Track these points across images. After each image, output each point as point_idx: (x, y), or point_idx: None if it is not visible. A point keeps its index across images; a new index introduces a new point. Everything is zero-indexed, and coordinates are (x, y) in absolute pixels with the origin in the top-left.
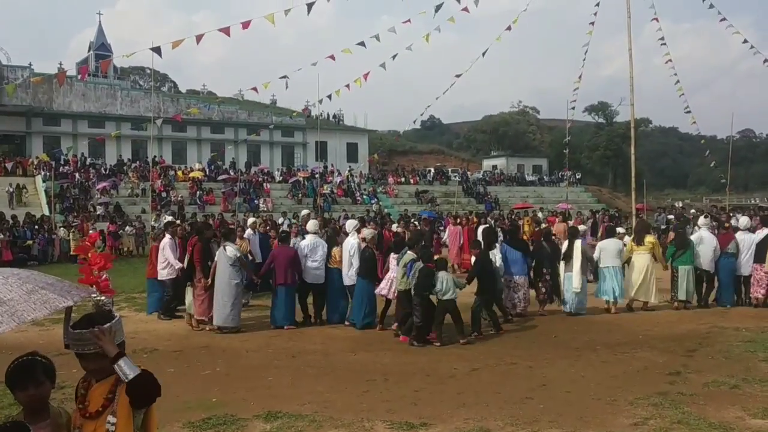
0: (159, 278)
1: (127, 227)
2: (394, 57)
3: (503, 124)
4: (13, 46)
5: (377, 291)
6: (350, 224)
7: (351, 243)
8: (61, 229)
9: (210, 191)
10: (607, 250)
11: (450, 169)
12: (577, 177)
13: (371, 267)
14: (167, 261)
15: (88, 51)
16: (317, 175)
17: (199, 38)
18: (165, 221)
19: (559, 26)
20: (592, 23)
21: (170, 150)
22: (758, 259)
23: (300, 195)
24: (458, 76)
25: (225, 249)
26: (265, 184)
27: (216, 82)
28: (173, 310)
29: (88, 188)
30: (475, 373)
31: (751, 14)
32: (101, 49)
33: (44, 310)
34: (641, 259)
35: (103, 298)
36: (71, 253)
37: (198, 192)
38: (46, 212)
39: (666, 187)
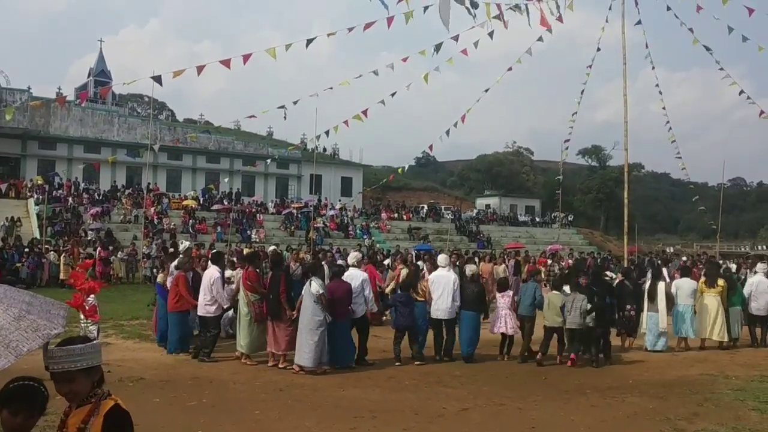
0: (201, 314)
1: (119, 253)
2: (393, 95)
3: (497, 164)
4: (13, 68)
5: (495, 330)
6: (442, 258)
7: (451, 278)
8: (51, 253)
9: (203, 220)
10: (682, 289)
11: (443, 207)
12: (570, 219)
13: (480, 300)
14: (216, 296)
15: (88, 77)
16: (311, 208)
17: (200, 69)
18: (184, 247)
19: (556, 70)
20: (590, 66)
21: (165, 178)
22: None
23: (293, 227)
24: (463, 116)
25: (310, 284)
26: (258, 215)
27: (214, 113)
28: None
29: (80, 213)
30: (465, 413)
31: (744, 64)
32: (101, 75)
33: (38, 339)
34: (713, 300)
35: (91, 327)
36: (60, 277)
37: (191, 221)
38: (37, 235)
39: (657, 232)
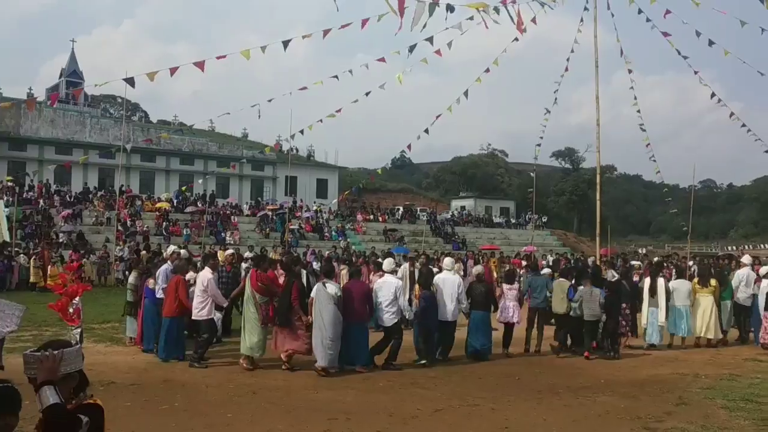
0: (195, 318)
1: (90, 256)
2: (367, 94)
3: (472, 166)
4: None
5: (501, 319)
6: (448, 261)
7: (456, 280)
8: (21, 255)
9: (176, 222)
10: (679, 290)
11: (419, 209)
12: (544, 220)
13: (488, 299)
14: (208, 299)
15: (60, 77)
16: (286, 210)
17: (173, 71)
18: (170, 250)
19: (531, 73)
20: (566, 69)
21: (138, 180)
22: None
23: (268, 229)
24: (439, 115)
25: (325, 286)
26: (233, 217)
27: (188, 114)
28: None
29: (51, 215)
30: (438, 414)
31: (715, 69)
32: (73, 76)
33: None
34: (706, 300)
35: (74, 331)
36: (30, 280)
37: (164, 223)
38: (7, 238)
39: (630, 234)
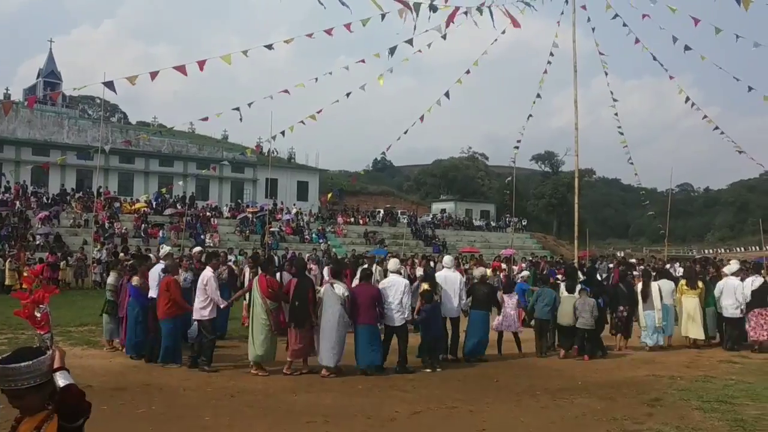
0: (197, 318)
1: (68, 258)
2: (348, 95)
3: (453, 169)
4: None
5: (497, 326)
6: (448, 259)
7: (458, 278)
8: None
9: (156, 224)
10: (664, 290)
11: (399, 211)
12: (523, 223)
13: (490, 300)
14: (209, 299)
15: (37, 78)
16: (266, 212)
17: (153, 75)
18: (165, 251)
19: (511, 78)
20: (545, 71)
21: (116, 181)
22: (759, 304)
23: (247, 231)
24: (422, 116)
25: (333, 287)
26: (212, 219)
27: (168, 116)
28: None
29: (28, 217)
30: (417, 416)
31: (692, 74)
32: (51, 76)
33: None
34: (693, 300)
35: (44, 336)
36: (6, 283)
37: (143, 225)
38: None
39: (608, 237)
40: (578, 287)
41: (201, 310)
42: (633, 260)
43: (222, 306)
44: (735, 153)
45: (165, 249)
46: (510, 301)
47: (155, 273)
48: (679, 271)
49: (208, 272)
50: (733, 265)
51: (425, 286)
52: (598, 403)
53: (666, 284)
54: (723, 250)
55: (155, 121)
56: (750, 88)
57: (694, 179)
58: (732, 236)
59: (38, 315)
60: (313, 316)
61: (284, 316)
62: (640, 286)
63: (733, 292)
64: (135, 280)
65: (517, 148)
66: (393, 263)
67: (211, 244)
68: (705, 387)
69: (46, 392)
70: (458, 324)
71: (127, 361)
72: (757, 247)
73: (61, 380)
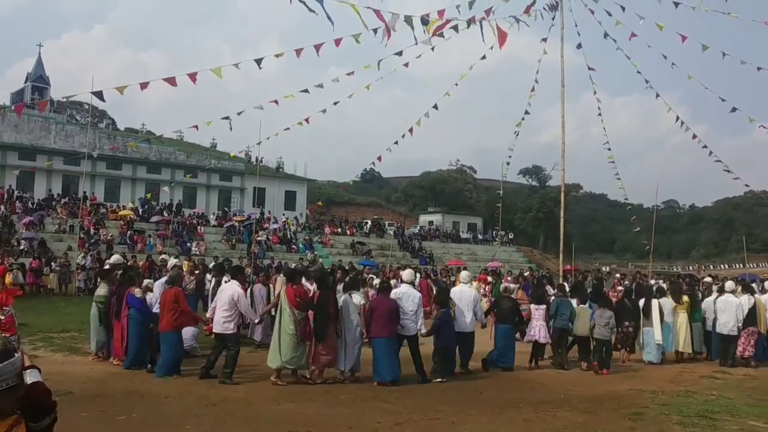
0: (220, 332)
1: (52, 264)
2: (335, 103)
3: (441, 181)
4: None
5: (528, 338)
6: (465, 275)
7: (472, 293)
8: None
9: (142, 232)
10: (665, 307)
11: (387, 223)
12: (510, 237)
13: (514, 314)
14: (235, 313)
15: (25, 82)
16: (253, 221)
17: (143, 86)
18: (172, 263)
19: (501, 91)
20: (533, 89)
21: (103, 187)
22: (751, 322)
23: (234, 240)
24: (411, 128)
25: (351, 297)
26: (199, 227)
27: (157, 123)
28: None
29: (13, 222)
30: (399, 427)
31: (680, 91)
32: (39, 81)
33: None
34: (681, 316)
35: (10, 338)
36: None
37: (129, 232)
38: None
39: (594, 251)
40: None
41: (225, 323)
42: (617, 275)
43: (256, 321)
44: (720, 171)
45: (172, 261)
46: (537, 313)
47: (159, 286)
48: (728, 285)
49: (237, 288)
50: (731, 283)
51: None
52: (580, 416)
53: (667, 302)
54: (709, 267)
55: (144, 128)
56: (734, 109)
57: (679, 196)
58: (716, 253)
59: (2, 317)
60: (335, 329)
61: (311, 328)
62: (642, 302)
63: (734, 309)
64: (138, 292)
65: (508, 164)
66: (408, 274)
67: (197, 252)
68: (686, 402)
69: (16, 395)
70: (472, 339)
71: (109, 368)
72: (741, 265)
73: (29, 378)
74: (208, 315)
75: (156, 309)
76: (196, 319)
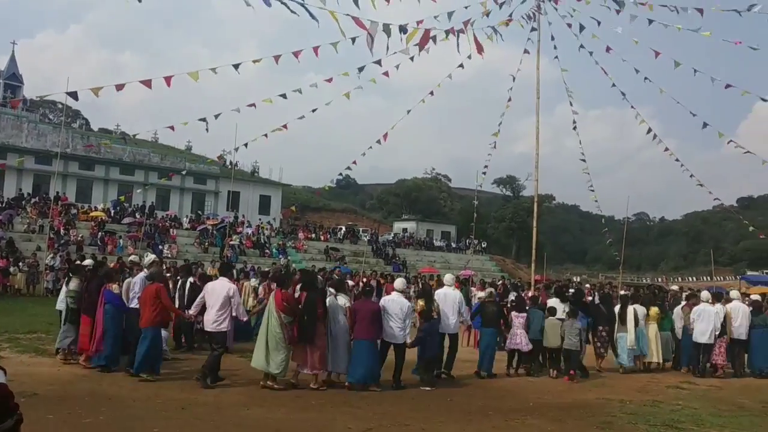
0: (212, 330)
1: (20, 264)
2: (314, 111)
3: (416, 189)
4: None
5: (509, 346)
6: (449, 278)
7: (457, 296)
8: None
9: (113, 233)
10: (639, 313)
11: (361, 229)
12: (483, 246)
13: (499, 318)
14: (227, 311)
15: None
16: (227, 225)
17: (119, 87)
18: (149, 260)
19: (477, 102)
20: (509, 99)
21: (75, 188)
22: (723, 332)
23: (207, 243)
24: (386, 134)
25: (337, 298)
26: (171, 229)
27: (131, 124)
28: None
29: None
30: None
31: (652, 105)
32: (12, 79)
33: None
34: (651, 327)
35: None
36: None
37: (100, 233)
38: None
39: (566, 262)
40: (564, 308)
41: (218, 322)
42: (587, 285)
43: (243, 320)
44: (689, 185)
45: (150, 257)
46: (517, 320)
47: (140, 281)
48: (704, 295)
49: (231, 285)
50: (707, 293)
51: (420, 303)
52: (549, 424)
53: (640, 309)
54: (677, 279)
55: (118, 129)
56: (705, 125)
57: (650, 209)
58: (685, 266)
59: None
60: (323, 331)
61: (298, 331)
62: (617, 308)
63: (712, 318)
64: (115, 288)
65: (484, 173)
66: (399, 282)
67: (169, 255)
68: (653, 411)
69: None
70: (456, 340)
71: (76, 369)
72: (708, 278)
73: None
74: (191, 312)
75: (134, 304)
76: (178, 315)
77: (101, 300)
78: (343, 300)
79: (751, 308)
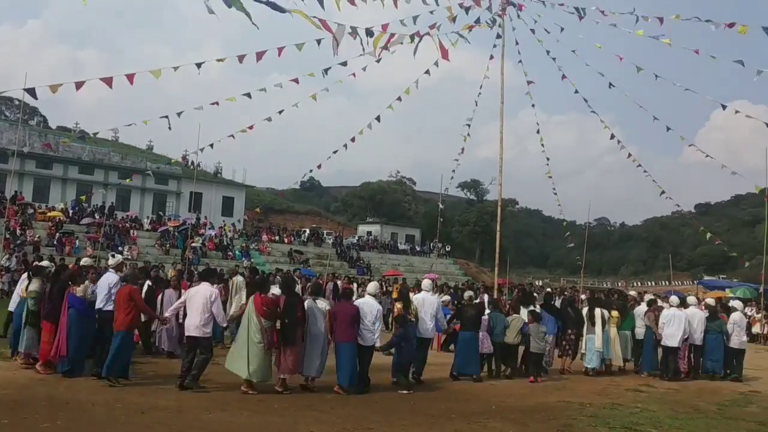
0: (197, 335)
1: None
2: (280, 112)
3: (380, 192)
4: None
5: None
6: (427, 283)
7: (435, 301)
8: None
9: (72, 234)
10: (605, 316)
11: (325, 232)
12: (447, 249)
13: (477, 322)
14: (210, 315)
15: None
16: (189, 226)
17: (79, 85)
18: (118, 259)
19: (442, 106)
20: (476, 103)
21: (31, 187)
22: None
23: (168, 245)
24: (353, 137)
25: (315, 302)
26: (132, 231)
27: (91, 123)
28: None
29: None
30: None
31: (614, 112)
32: None
33: None
34: (612, 330)
35: None
36: None
37: (57, 233)
38: None
39: (528, 266)
40: (527, 310)
41: (203, 327)
42: (548, 290)
43: (224, 324)
44: (649, 191)
45: (117, 257)
46: (482, 324)
47: (104, 282)
48: (673, 300)
49: (213, 289)
50: (676, 298)
51: (398, 306)
52: (511, 427)
53: (605, 312)
54: (636, 284)
55: (77, 127)
56: (668, 128)
57: (611, 214)
58: (644, 270)
59: None
60: (301, 334)
61: (277, 335)
62: (585, 311)
63: (683, 322)
64: (79, 291)
65: (452, 178)
66: (373, 286)
67: (129, 257)
68: (612, 414)
69: None
70: (428, 345)
71: (32, 374)
72: (667, 282)
73: None
74: (167, 315)
75: (101, 301)
76: (153, 317)
77: (65, 304)
78: (322, 304)
79: (707, 314)
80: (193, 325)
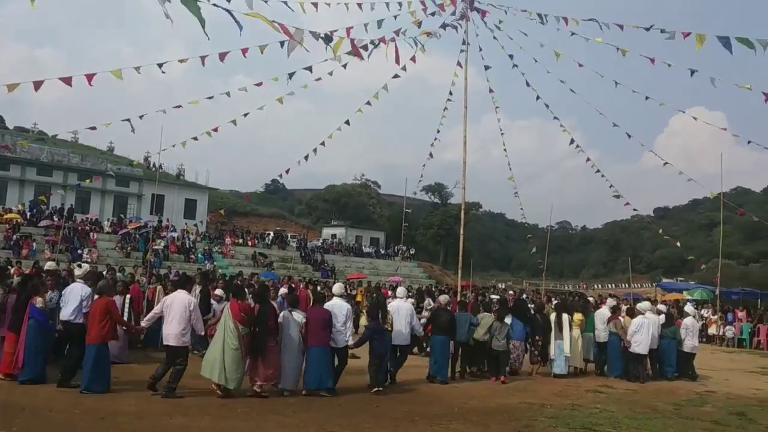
0: (175, 345)
1: None
2: (245, 115)
3: (345, 195)
4: None
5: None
6: (401, 290)
7: (409, 308)
8: None
9: (29, 236)
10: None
11: (289, 235)
12: (411, 252)
13: (452, 326)
14: (190, 324)
15: None
16: (150, 229)
17: (37, 85)
18: (85, 269)
19: (407, 109)
20: (445, 108)
21: None
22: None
23: (129, 248)
24: (323, 141)
25: (291, 313)
26: (92, 233)
27: (50, 123)
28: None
29: None
30: None
31: (575, 117)
32: None
33: None
34: (575, 331)
35: None
36: None
37: (15, 236)
38: None
39: (491, 269)
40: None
41: (182, 336)
42: (510, 292)
43: (201, 333)
44: (610, 195)
45: (85, 267)
46: None
47: (75, 294)
48: (644, 305)
49: (190, 298)
50: (647, 304)
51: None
52: (473, 428)
53: (569, 316)
54: (597, 286)
55: (35, 128)
56: (629, 135)
57: (572, 217)
58: (604, 273)
59: None
60: (273, 343)
61: (251, 342)
62: (553, 316)
63: (653, 329)
64: (39, 302)
65: (420, 181)
66: (338, 287)
67: (89, 260)
68: (572, 415)
69: None
70: (407, 352)
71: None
72: (626, 285)
73: None
74: (143, 325)
75: (70, 313)
76: (131, 329)
77: (26, 315)
78: (299, 316)
79: (664, 320)
80: (173, 335)
